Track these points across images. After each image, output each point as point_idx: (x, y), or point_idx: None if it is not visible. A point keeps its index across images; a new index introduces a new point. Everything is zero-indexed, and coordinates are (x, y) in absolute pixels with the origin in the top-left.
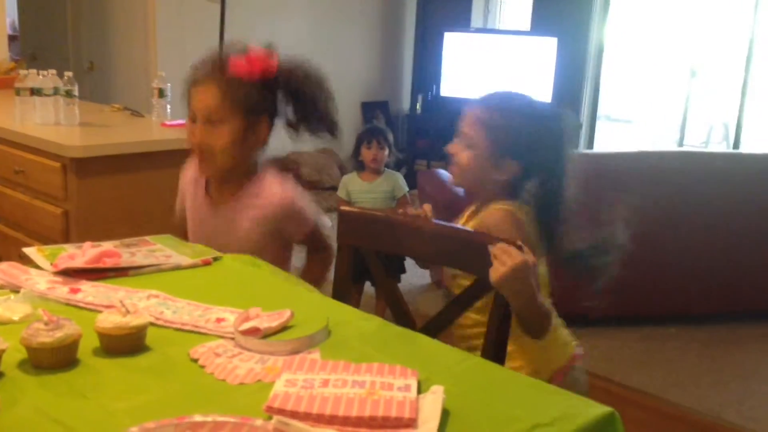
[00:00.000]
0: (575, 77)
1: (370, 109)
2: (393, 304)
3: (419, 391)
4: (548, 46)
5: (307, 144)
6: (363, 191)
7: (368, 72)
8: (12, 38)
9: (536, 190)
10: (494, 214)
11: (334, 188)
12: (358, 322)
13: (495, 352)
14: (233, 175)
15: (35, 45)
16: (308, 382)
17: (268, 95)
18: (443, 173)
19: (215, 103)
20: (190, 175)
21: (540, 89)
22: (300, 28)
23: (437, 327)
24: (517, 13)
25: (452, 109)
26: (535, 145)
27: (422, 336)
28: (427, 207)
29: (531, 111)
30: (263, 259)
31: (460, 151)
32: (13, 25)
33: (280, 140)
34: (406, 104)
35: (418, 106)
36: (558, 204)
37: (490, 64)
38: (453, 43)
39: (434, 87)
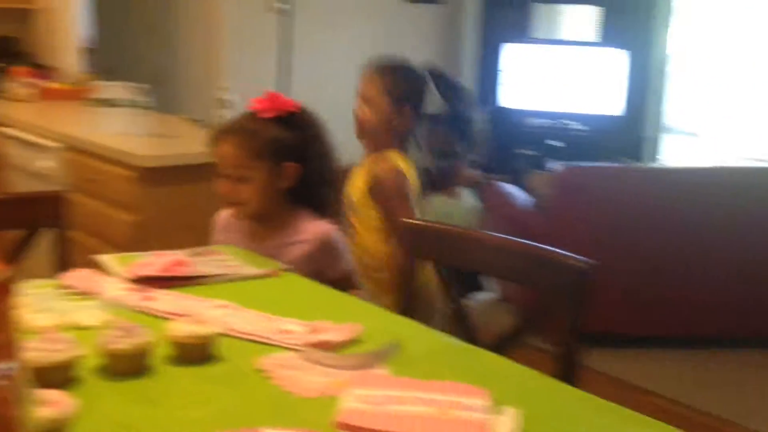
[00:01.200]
0: (647, 90)
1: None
2: (460, 319)
3: (492, 412)
4: (619, 57)
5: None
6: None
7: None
8: (90, 51)
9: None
10: (384, 171)
11: None
12: (426, 338)
13: (566, 372)
14: (268, 216)
15: (112, 59)
16: (377, 398)
17: (288, 135)
18: (505, 186)
19: (236, 158)
20: (222, 223)
21: (610, 101)
22: (362, 40)
23: (505, 344)
24: (581, 24)
25: (513, 121)
26: (423, 91)
27: (490, 354)
28: None
29: (410, 66)
30: None
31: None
32: (90, 39)
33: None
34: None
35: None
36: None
37: (553, 75)
38: (513, 54)
39: (494, 98)
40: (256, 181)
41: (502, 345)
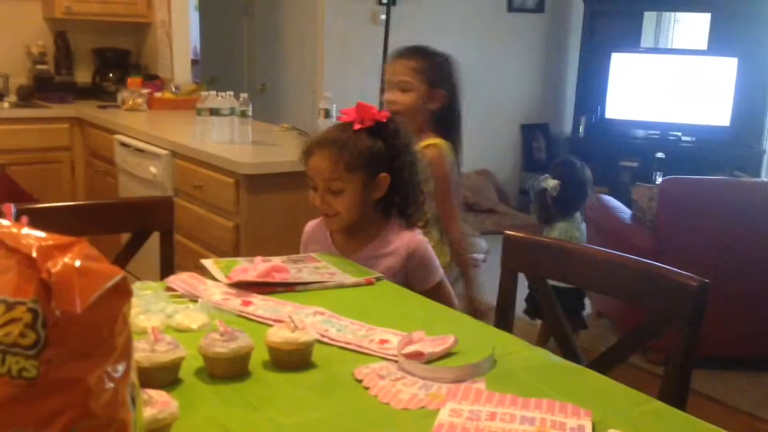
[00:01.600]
0: (756, 100)
1: (530, 131)
2: (560, 335)
3: None
4: (727, 66)
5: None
6: None
7: (529, 93)
8: (194, 62)
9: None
10: (430, 151)
11: (491, 210)
12: (523, 352)
13: (674, 396)
14: (359, 227)
15: (215, 68)
16: (474, 413)
17: (379, 146)
18: (608, 199)
19: (331, 171)
20: (310, 235)
21: (717, 112)
22: (461, 48)
23: (607, 363)
24: (692, 33)
25: (618, 132)
26: (454, 76)
27: (592, 372)
28: None
29: (438, 51)
30: None
31: (399, 96)
32: (195, 50)
33: None
34: (567, 127)
35: (581, 129)
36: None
37: (661, 85)
38: (621, 64)
39: (599, 109)
40: (350, 192)
41: (603, 363)
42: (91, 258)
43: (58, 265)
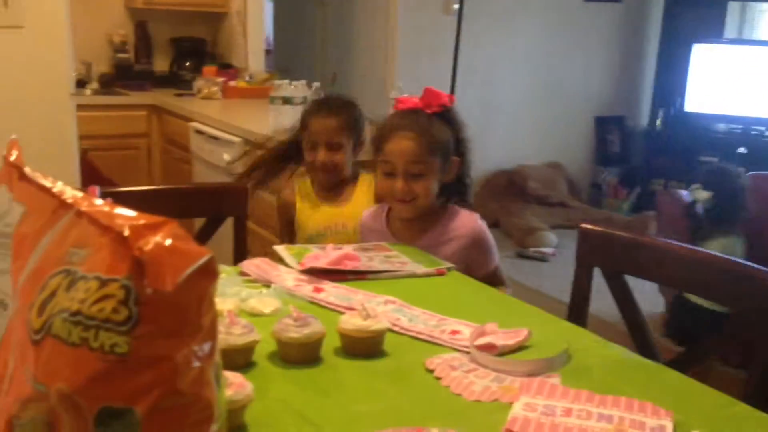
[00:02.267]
0: None
1: (604, 124)
2: (636, 331)
3: None
4: None
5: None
6: None
7: (604, 85)
8: (267, 52)
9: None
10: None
11: (562, 204)
12: (600, 348)
13: (759, 399)
14: (426, 214)
15: (287, 58)
16: (549, 408)
17: (450, 130)
18: (684, 194)
19: (415, 154)
20: (368, 224)
21: None
22: (534, 39)
23: (687, 362)
24: None
25: (698, 126)
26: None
27: (672, 371)
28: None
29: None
30: None
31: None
32: (268, 40)
33: (507, 152)
34: (644, 120)
35: (658, 122)
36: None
37: (744, 78)
38: (702, 55)
39: (678, 102)
40: (429, 176)
41: (682, 363)
42: (180, 238)
43: (149, 243)
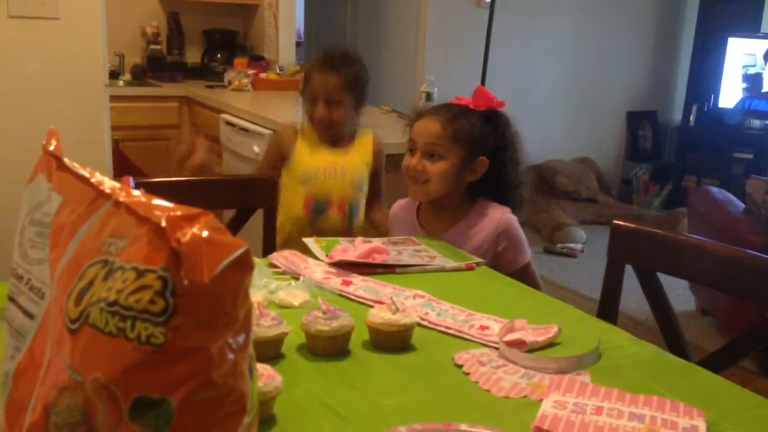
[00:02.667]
0: None
1: (636, 119)
2: (667, 330)
3: None
4: None
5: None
6: None
7: (636, 79)
8: (298, 45)
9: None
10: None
11: (591, 200)
12: (631, 346)
13: None
14: (445, 205)
15: (317, 50)
16: (579, 406)
17: (488, 130)
18: (717, 191)
19: (436, 135)
20: (396, 217)
21: None
22: (567, 32)
23: (719, 363)
24: None
25: (732, 122)
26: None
27: (705, 371)
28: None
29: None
30: None
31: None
32: (299, 32)
33: (536, 147)
34: (677, 115)
35: (691, 118)
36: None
37: None
38: (738, 49)
39: (712, 97)
40: (447, 162)
41: (714, 363)
42: (216, 230)
43: (187, 235)
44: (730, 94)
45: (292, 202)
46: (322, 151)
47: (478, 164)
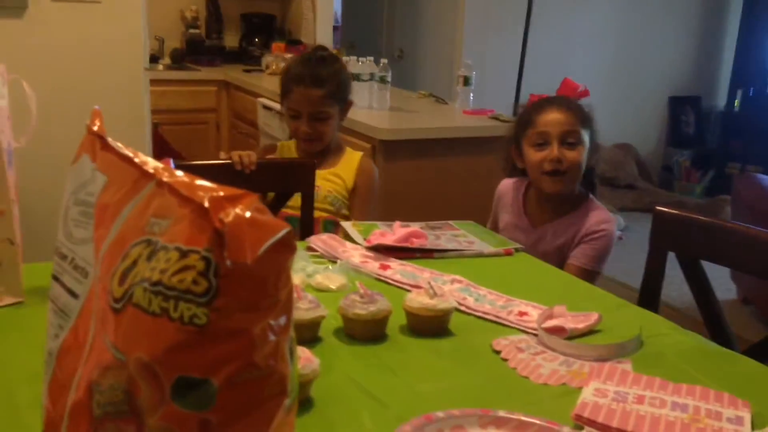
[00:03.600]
0: None
1: (679, 104)
2: (711, 319)
3: (753, 427)
4: None
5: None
6: None
7: (680, 63)
8: (335, 29)
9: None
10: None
11: (630, 186)
12: (673, 335)
13: None
14: (564, 197)
15: (354, 34)
16: (620, 395)
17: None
18: (763, 178)
19: (568, 123)
20: (501, 196)
21: None
22: (608, 15)
23: (764, 352)
24: None
25: None
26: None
27: (750, 361)
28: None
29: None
30: None
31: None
32: (336, 16)
33: None
34: (722, 100)
35: (736, 103)
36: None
37: None
38: None
39: (759, 82)
40: (582, 148)
41: (759, 352)
42: (259, 211)
43: (230, 215)
44: None
45: None
46: None
47: (597, 149)
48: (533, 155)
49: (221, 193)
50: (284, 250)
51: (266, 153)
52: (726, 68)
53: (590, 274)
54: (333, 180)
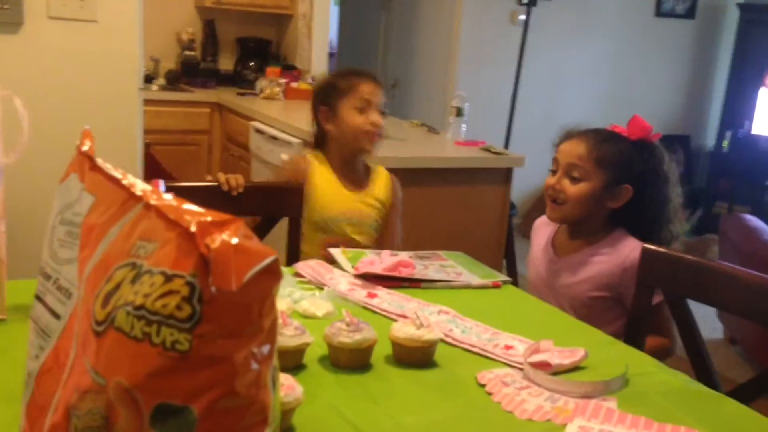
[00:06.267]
0: None
1: (668, 143)
2: (696, 358)
3: None
4: None
5: None
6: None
7: (671, 103)
8: (331, 56)
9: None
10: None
11: None
12: (659, 374)
13: None
14: (584, 229)
15: (349, 62)
16: None
17: (637, 159)
18: (750, 219)
19: (579, 157)
20: (536, 228)
21: None
22: (601, 52)
23: (749, 394)
24: None
25: (766, 149)
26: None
27: (734, 402)
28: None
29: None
30: (592, 320)
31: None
32: (332, 43)
33: None
34: (710, 141)
35: (725, 144)
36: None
37: None
38: None
39: (747, 123)
40: (588, 186)
41: (744, 394)
42: (246, 237)
43: (216, 241)
44: (765, 121)
45: (307, 251)
46: (341, 190)
47: (621, 192)
48: (547, 179)
49: (209, 218)
50: (270, 277)
51: (296, 165)
52: (715, 109)
53: (660, 307)
54: (375, 206)
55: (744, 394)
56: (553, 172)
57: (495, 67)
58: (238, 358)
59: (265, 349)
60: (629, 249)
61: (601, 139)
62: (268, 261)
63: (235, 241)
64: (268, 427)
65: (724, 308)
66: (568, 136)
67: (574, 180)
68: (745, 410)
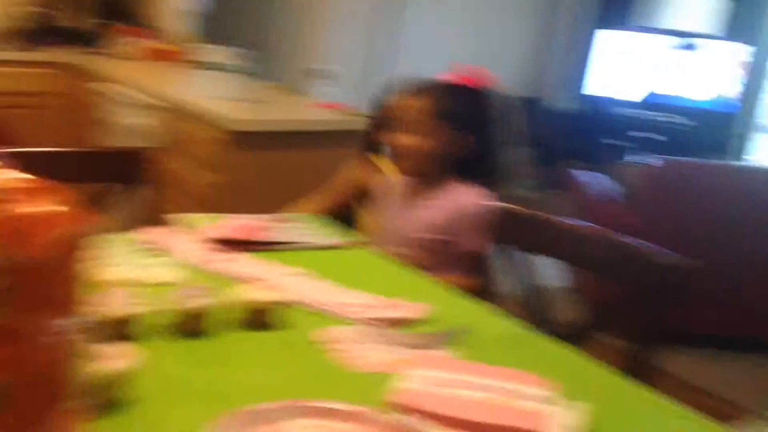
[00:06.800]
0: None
1: (521, 104)
2: (535, 308)
3: (551, 403)
4: (724, 49)
5: None
6: None
7: (515, 66)
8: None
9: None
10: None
11: None
12: (497, 323)
13: (636, 371)
14: (426, 179)
15: (228, 26)
16: (437, 380)
17: (474, 108)
18: (589, 174)
19: (420, 112)
20: (382, 186)
21: (711, 93)
22: (465, 24)
23: (580, 337)
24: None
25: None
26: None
27: (561, 345)
28: None
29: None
30: (427, 264)
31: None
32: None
33: None
34: (553, 101)
35: (565, 104)
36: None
37: (649, 66)
38: (608, 41)
39: (592, 84)
40: (429, 138)
41: (572, 336)
42: (59, 203)
43: (22, 207)
44: (599, 83)
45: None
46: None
47: (462, 140)
48: (388, 136)
49: (22, 185)
50: (78, 246)
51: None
52: (557, 71)
53: (480, 256)
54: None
55: (571, 336)
56: (393, 128)
57: (362, 33)
58: (41, 330)
59: (71, 321)
60: (465, 197)
61: (439, 94)
62: (77, 229)
63: (44, 208)
64: (71, 399)
65: (563, 260)
66: (403, 91)
67: (417, 135)
68: (570, 352)
